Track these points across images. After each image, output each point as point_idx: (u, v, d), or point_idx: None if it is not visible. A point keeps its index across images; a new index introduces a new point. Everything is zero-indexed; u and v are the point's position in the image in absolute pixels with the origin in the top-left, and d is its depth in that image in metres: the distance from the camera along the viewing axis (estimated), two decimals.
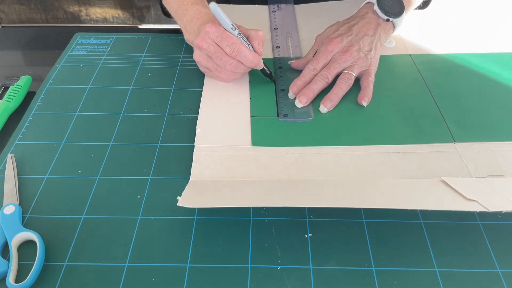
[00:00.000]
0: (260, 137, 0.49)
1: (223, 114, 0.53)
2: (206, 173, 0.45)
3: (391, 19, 0.59)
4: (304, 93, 0.53)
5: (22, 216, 0.42)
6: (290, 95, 0.55)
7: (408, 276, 0.38)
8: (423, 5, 0.69)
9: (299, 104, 0.53)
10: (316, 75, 0.55)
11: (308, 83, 0.55)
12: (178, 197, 0.40)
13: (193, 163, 0.46)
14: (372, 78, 0.56)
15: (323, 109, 0.53)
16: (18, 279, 0.38)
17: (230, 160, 0.47)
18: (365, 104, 0.54)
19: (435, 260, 0.39)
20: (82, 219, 0.42)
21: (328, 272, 0.38)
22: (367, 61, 0.56)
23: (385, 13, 0.58)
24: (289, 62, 0.59)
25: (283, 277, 0.38)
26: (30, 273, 0.37)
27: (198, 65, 0.58)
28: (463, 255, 0.40)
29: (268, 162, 0.47)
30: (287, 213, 0.43)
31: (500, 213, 0.43)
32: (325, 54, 0.56)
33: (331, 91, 0.54)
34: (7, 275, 0.37)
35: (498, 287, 0.37)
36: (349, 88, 0.55)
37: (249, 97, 0.55)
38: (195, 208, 0.43)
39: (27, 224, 0.42)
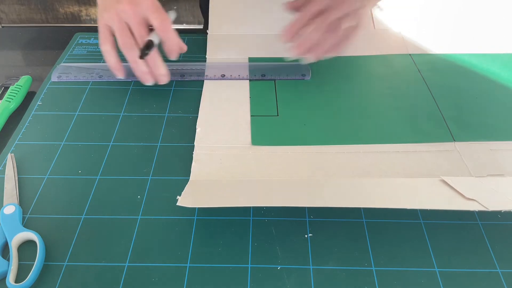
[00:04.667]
0: (260, 137, 0.49)
1: (223, 114, 0.53)
2: (206, 173, 0.45)
3: None
4: (301, 44, 0.52)
5: (22, 216, 0.42)
6: (284, 40, 0.53)
7: (408, 276, 0.38)
8: None
9: (293, 54, 0.52)
10: (310, 19, 0.53)
11: (302, 28, 0.53)
12: (178, 197, 0.40)
13: (193, 163, 0.46)
14: (354, 33, 0.54)
15: (310, 58, 0.53)
16: (18, 279, 0.38)
17: (230, 160, 0.47)
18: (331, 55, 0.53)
19: (435, 260, 0.39)
20: (82, 219, 0.42)
21: (328, 272, 0.38)
22: (357, 16, 0.53)
23: None
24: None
25: (283, 277, 0.38)
26: (30, 273, 0.37)
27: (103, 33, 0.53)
28: (463, 255, 0.40)
29: (268, 161, 0.47)
30: (287, 213, 0.43)
31: (500, 212, 0.43)
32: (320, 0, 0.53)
33: (318, 41, 0.53)
34: (7, 275, 0.37)
35: (498, 287, 0.37)
36: (337, 39, 0.53)
37: (249, 96, 0.55)
38: (195, 208, 0.43)
39: (27, 224, 0.42)
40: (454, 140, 0.49)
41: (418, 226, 0.42)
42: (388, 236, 0.41)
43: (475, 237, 0.41)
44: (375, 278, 0.38)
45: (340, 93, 0.56)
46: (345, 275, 0.38)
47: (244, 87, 0.57)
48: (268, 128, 0.51)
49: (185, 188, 0.42)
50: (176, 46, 0.52)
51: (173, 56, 0.54)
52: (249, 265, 0.39)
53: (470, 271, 0.38)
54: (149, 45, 0.50)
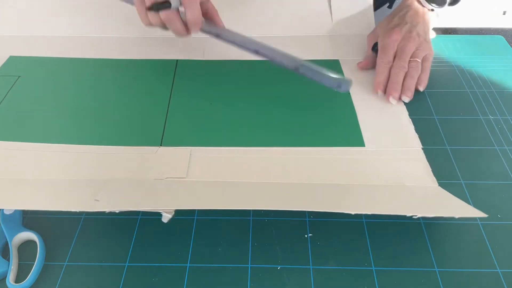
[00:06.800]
0: None
1: None
2: None
3: (435, 9, 0.60)
4: (394, 89, 0.54)
5: (22, 216, 0.42)
6: (380, 94, 0.55)
7: (408, 276, 0.38)
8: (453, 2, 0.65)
9: (393, 101, 0.54)
10: (391, 67, 0.56)
11: (388, 77, 0.55)
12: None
13: None
14: (429, 64, 0.57)
15: (405, 98, 0.54)
16: (18, 279, 0.38)
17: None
18: (421, 89, 0.56)
19: (435, 260, 0.39)
20: (82, 219, 0.42)
21: (328, 272, 0.38)
22: (428, 45, 0.57)
23: (429, 2, 0.59)
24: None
25: (283, 277, 0.38)
26: (30, 273, 0.37)
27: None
28: (463, 255, 0.40)
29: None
30: (287, 213, 0.43)
31: (500, 212, 0.43)
32: (391, 45, 0.57)
33: (405, 81, 0.55)
34: (7, 275, 0.37)
35: (498, 287, 0.37)
36: (418, 74, 0.56)
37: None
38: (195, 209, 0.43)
39: (27, 224, 0.42)
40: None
41: (418, 226, 0.42)
42: (388, 236, 0.41)
43: (475, 237, 0.41)
44: (375, 278, 0.38)
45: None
46: (345, 275, 0.38)
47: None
48: None
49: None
50: (197, 17, 0.51)
51: (194, 28, 0.52)
52: (249, 265, 0.39)
53: (470, 271, 0.38)
54: (163, 2, 0.48)
